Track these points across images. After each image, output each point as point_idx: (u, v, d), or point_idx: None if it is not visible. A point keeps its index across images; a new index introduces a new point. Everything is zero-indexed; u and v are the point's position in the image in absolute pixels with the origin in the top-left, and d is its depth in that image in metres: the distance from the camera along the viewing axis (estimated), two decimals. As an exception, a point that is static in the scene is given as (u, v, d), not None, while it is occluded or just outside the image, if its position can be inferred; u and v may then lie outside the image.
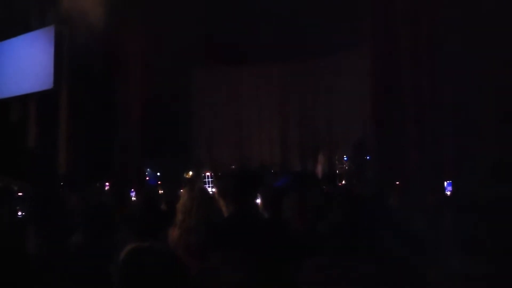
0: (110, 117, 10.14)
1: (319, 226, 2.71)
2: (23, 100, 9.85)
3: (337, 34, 9.78)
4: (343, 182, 8.05)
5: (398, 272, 1.99)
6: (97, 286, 1.98)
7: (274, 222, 3.08)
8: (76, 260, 2.19)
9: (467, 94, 6.75)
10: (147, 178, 10.08)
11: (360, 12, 8.42)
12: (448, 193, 5.89)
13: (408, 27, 7.53)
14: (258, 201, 3.33)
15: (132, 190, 5.10)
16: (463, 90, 6.79)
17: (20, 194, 5.07)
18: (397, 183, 6.05)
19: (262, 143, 12.92)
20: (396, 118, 7.63)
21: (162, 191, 5.99)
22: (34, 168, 8.42)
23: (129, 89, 10.38)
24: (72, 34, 9.19)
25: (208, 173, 9.39)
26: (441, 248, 2.51)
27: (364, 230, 2.41)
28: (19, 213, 3.94)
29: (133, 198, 4.86)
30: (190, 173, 9.91)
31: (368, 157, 8.79)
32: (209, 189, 5.82)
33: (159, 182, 9.05)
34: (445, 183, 6.13)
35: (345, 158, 10.38)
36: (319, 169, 10.55)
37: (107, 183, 7.00)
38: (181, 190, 3.14)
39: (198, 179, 9.16)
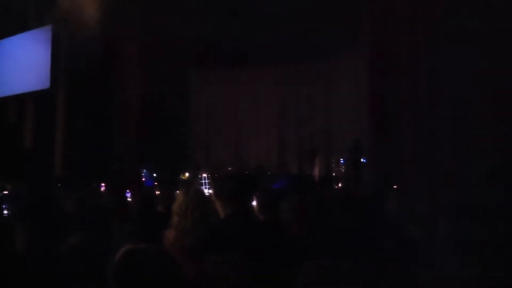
0: (107, 117, 10.12)
1: (316, 229, 2.70)
2: (20, 99, 9.83)
3: (335, 36, 9.79)
4: (340, 184, 8.03)
5: (397, 274, 1.98)
6: (93, 287, 1.97)
7: (270, 224, 3.07)
8: (72, 261, 2.17)
9: (465, 97, 6.76)
10: (144, 179, 10.03)
11: (358, 13, 8.42)
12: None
13: (406, 29, 7.53)
14: (254, 203, 3.32)
15: (128, 191, 5.06)
16: (460, 92, 6.80)
17: (5, 192, 5.05)
18: (394, 186, 6.04)
19: (259, 145, 12.90)
20: (393, 120, 7.64)
21: (158, 192, 5.96)
22: (30, 168, 8.38)
23: (126, 89, 10.36)
24: (69, 34, 9.18)
25: (204, 175, 9.37)
26: (438, 251, 2.50)
27: (362, 232, 2.40)
28: (5, 212, 3.93)
29: (129, 199, 4.83)
30: (187, 174, 9.88)
31: (364, 160, 8.79)
32: (206, 191, 5.81)
33: (155, 183, 9.02)
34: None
35: (342, 161, 10.37)
36: (316, 172, 10.55)
37: (103, 184, 6.96)
38: (177, 192, 3.12)
39: (195, 180, 9.13)
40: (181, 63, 11.36)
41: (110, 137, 10.17)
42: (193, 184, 7.72)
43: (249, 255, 2.09)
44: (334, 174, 10.10)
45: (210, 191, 5.27)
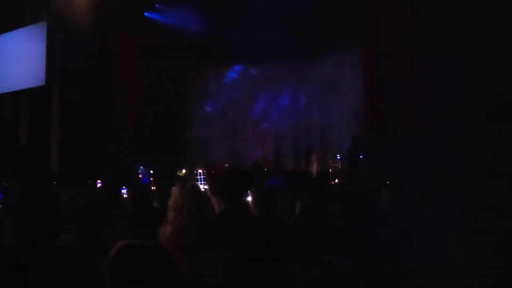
0: (102, 114, 10.10)
1: (312, 225, 2.71)
2: (15, 96, 9.78)
3: (332, 34, 9.81)
4: (336, 181, 8.04)
5: (392, 270, 1.99)
6: (89, 284, 1.96)
7: (265, 220, 3.08)
8: (67, 258, 2.17)
9: (461, 95, 6.77)
10: (140, 176, 10.03)
11: (357, 13, 8.43)
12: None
13: (403, 28, 7.54)
14: (249, 199, 3.32)
15: (124, 187, 5.06)
16: (457, 91, 6.81)
17: None
18: (390, 182, 6.05)
19: (256, 142, 12.91)
20: (390, 117, 7.65)
21: (154, 188, 5.96)
22: (24, 164, 8.35)
23: (122, 86, 10.33)
24: (64, 31, 9.14)
25: (200, 171, 9.38)
26: (434, 246, 2.51)
27: (358, 229, 2.41)
28: None
29: (125, 196, 4.83)
30: (183, 170, 9.88)
31: (361, 156, 8.80)
32: (202, 187, 5.81)
33: (151, 179, 9.02)
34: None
35: (339, 157, 10.39)
36: (313, 168, 10.56)
37: (99, 181, 6.95)
38: (173, 188, 3.12)
39: (191, 176, 9.14)
40: (178, 61, 11.35)
41: (105, 134, 10.16)
42: (189, 180, 7.72)
43: (244, 251, 2.10)
44: (330, 170, 10.11)
45: (206, 187, 5.27)
